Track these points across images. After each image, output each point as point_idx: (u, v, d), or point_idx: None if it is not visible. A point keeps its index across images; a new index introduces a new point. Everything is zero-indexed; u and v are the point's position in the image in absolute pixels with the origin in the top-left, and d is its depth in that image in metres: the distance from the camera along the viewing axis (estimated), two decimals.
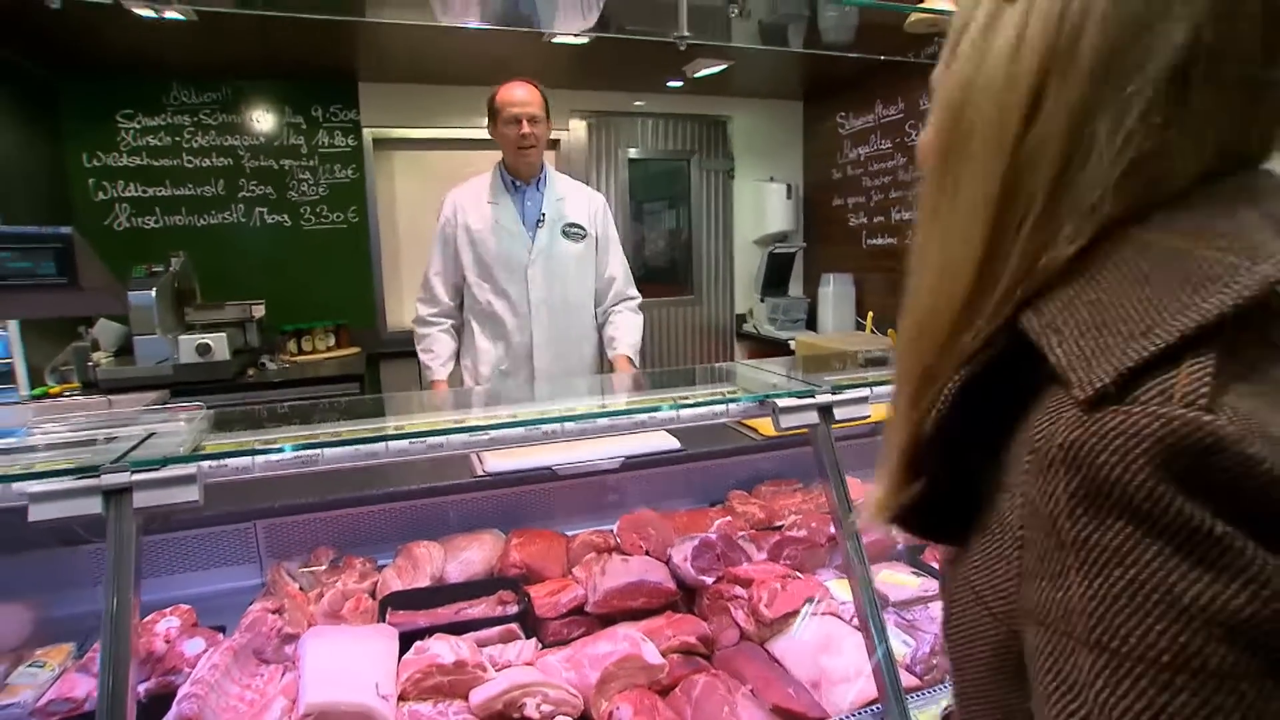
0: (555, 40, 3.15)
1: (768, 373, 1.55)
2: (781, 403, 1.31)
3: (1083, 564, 0.34)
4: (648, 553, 1.65)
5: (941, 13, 1.47)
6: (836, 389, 1.34)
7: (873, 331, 4.17)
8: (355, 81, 3.82)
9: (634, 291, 2.47)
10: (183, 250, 3.25)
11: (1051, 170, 0.39)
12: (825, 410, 1.32)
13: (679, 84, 4.19)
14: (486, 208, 2.28)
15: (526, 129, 2.17)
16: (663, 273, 4.86)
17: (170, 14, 2.61)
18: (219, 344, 3.00)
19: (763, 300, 4.65)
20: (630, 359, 2.37)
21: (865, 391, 1.36)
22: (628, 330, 2.41)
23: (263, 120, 3.72)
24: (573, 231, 2.33)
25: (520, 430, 1.23)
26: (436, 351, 2.32)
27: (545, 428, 1.25)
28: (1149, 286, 0.36)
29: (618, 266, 2.45)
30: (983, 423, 0.43)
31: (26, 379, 2.59)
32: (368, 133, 3.89)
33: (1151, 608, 0.32)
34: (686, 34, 1.55)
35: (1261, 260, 0.35)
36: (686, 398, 1.43)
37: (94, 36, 3.01)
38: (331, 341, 3.70)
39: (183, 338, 2.98)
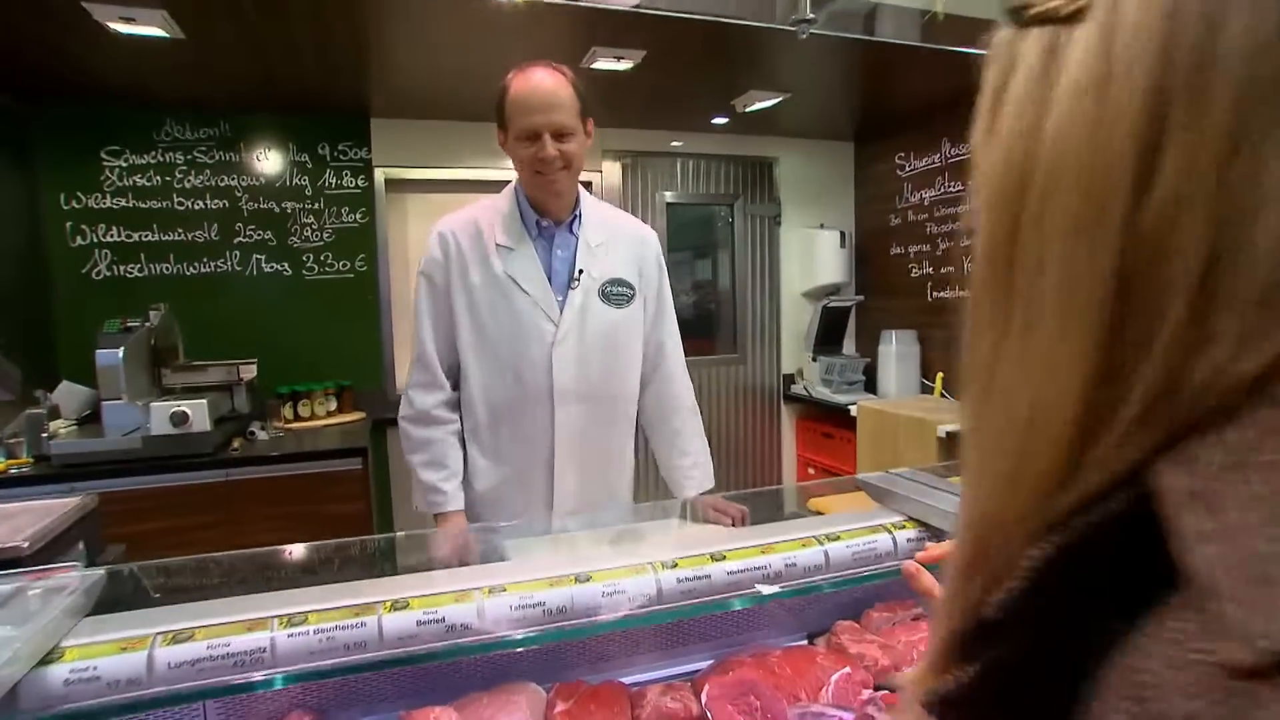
0: (593, 68, 2.77)
1: (931, 489, 1.07)
2: None
3: None
4: None
5: None
6: None
7: (943, 395, 3.69)
8: (367, 117, 3.45)
9: (689, 384, 1.81)
10: (164, 302, 2.83)
11: (1197, 248, 0.27)
12: None
13: (724, 120, 3.80)
14: (495, 254, 1.56)
15: (550, 149, 1.47)
16: (703, 328, 4.42)
17: (147, 29, 2.23)
18: (198, 412, 2.55)
19: (815, 359, 4.18)
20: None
21: None
22: (704, 455, 1.78)
23: (264, 158, 3.34)
24: (616, 294, 1.63)
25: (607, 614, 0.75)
26: (449, 466, 1.60)
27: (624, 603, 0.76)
28: None
29: (670, 338, 1.76)
30: (1069, 607, 0.30)
31: None
32: (380, 173, 3.50)
33: None
34: (810, 17, 1.11)
35: None
36: (836, 535, 0.95)
37: (74, 63, 2.65)
38: (333, 405, 3.24)
39: (156, 404, 2.53)
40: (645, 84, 3.06)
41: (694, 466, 1.76)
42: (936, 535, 0.95)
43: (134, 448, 2.50)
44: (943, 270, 3.80)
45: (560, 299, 1.58)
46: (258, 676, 0.68)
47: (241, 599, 0.78)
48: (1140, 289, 0.29)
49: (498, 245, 1.57)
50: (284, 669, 0.70)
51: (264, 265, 3.36)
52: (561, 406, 1.58)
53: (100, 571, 0.76)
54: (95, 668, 0.64)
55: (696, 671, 1.28)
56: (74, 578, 0.74)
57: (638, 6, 1.66)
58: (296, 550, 1.04)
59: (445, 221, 1.61)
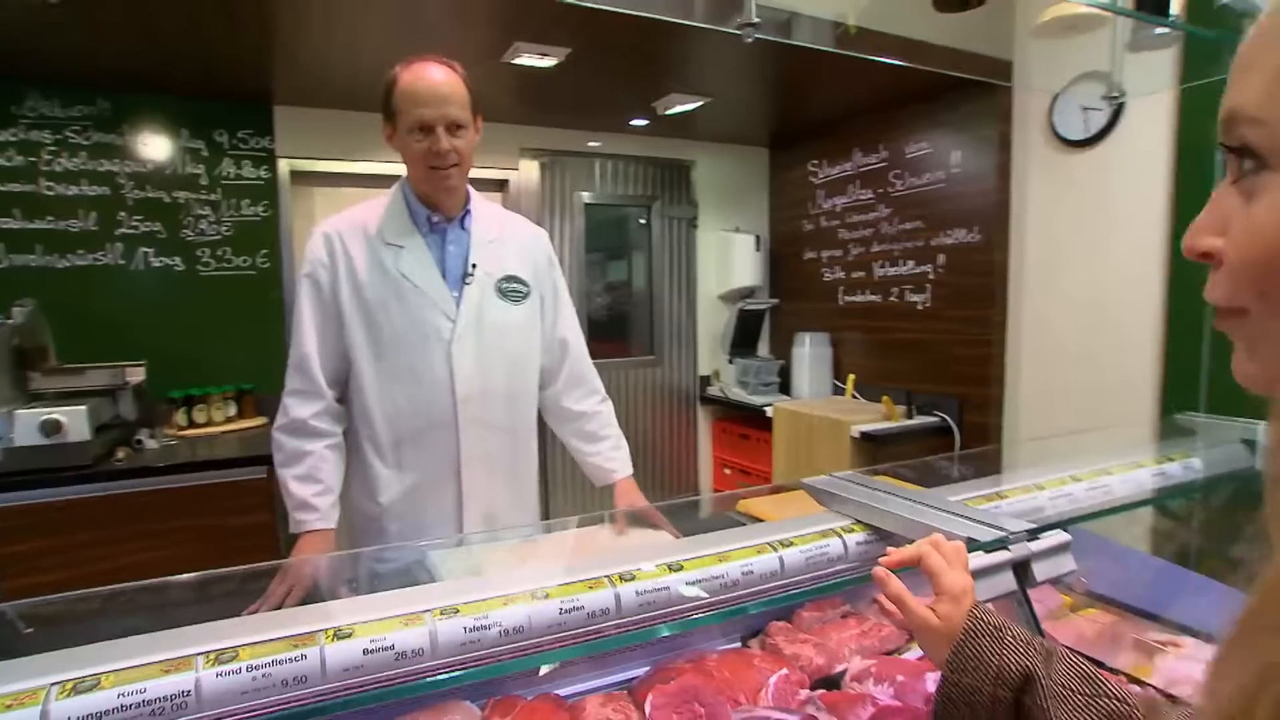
0: (515, 63, 2.70)
1: (876, 491, 1.09)
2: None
3: None
4: None
5: (1104, 6, 1.09)
6: (1034, 533, 0.88)
7: (854, 396, 3.82)
8: (270, 104, 3.23)
9: (596, 374, 1.82)
10: (32, 298, 2.55)
11: None
12: (1022, 569, 0.86)
13: (644, 122, 3.80)
14: (384, 252, 1.51)
15: (444, 143, 1.44)
16: (619, 329, 4.40)
17: None
18: (74, 419, 2.31)
19: (731, 361, 4.25)
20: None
21: (1063, 536, 0.91)
22: (619, 439, 1.78)
23: (151, 143, 3.06)
24: (512, 290, 1.61)
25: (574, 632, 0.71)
26: (324, 481, 1.50)
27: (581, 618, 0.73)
28: None
29: (572, 333, 1.76)
30: None
31: None
32: (284, 164, 3.29)
33: None
34: (755, 21, 1.11)
35: None
36: (789, 540, 0.95)
37: None
38: (232, 411, 3.02)
39: (22, 412, 2.28)
40: (567, 82, 3.01)
41: (615, 449, 1.77)
42: (883, 538, 0.96)
43: None
44: (854, 275, 3.93)
45: (455, 294, 1.55)
46: None
47: (152, 636, 0.69)
48: None
49: (387, 243, 1.53)
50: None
51: (152, 259, 3.09)
52: (464, 404, 1.55)
53: None
54: None
55: (633, 680, 1.25)
56: None
57: None
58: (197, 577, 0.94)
59: (328, 223, 1.56)
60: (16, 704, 0.60)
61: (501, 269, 1.61)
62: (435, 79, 1.44)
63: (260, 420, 3.05)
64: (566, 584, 0.80)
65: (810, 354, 4.03)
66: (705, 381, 4.48)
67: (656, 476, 4.40)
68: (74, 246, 2.97)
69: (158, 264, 3.10)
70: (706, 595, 0.85)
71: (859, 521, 0.98)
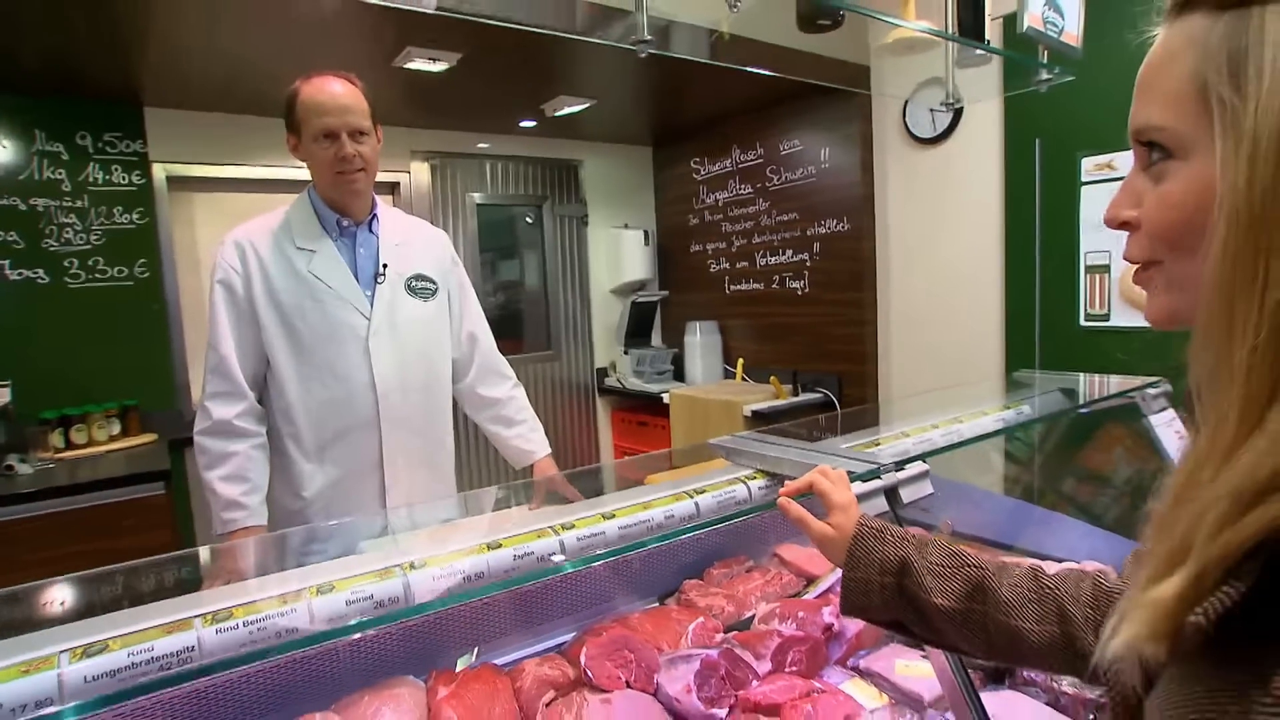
0: (407, 67, 2.73)
1: (770, 444, 1.27)
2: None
3: None
4: (629, 684, 1.28)
5: (934, 32, 1.32)
6: (900, 464, 1.08)
7: (744, 379, 4.07)
8: (140, 105, 3.08)
9: (506, 363, 1.94)
10: None
11: None
12: (892, 494, 1.05)
13: (532, 124, 3.89)
14: (296, 256, 1.58)
15: (349, 148, 1.54)
16: (515, 327, 4.47)
17: None
18: None
19: (626, 352, 4.41)
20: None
21: (923, 465, 1.12)
22: (535, 422, 1.92)
23: (1, 146, 2.87)
24: (421, 288, 1.72)
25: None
26: (251, 479, 1.55)
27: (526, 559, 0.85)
28: None
29: (479, 325, 1.87)
30: None
31: None
32: (159, 169, 3.14)
33: None
34: (648, 38, 1.26)
35: None
36: (703, 489, 1.10)
37: None
38: (116, 429, 2.88)
39: None
40: (457, 86, 3.06)
41: (532, 430, 1.92)
42: (780, 482, 1.13)
43: None
44: (739, 265, 4.19)
45: (369, 294, 1.64)
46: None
47: (144, 608, 0.76)
48: None
49: (298, 248, 1.60)
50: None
51: (10, 272, 2.88)
52: (384, 398, 1.63)
53: None
54: None
55: (563, 645, 1.38)
56: None
57: (440, 10, 1.72)
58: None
59: (238, 231, 1.62)
60: (32, 669, 0.65)
61: (410, 268, 1.71)
62: (336, 90, 1.54)
63: (149, 437, 2.93)
64: (516, 535, 0.92)
65: (701, 342, 4.25)
66: (602, 373, 4.63)
67: (559, 466, 4.49)
68: None
69: (17, 276, 2.90)
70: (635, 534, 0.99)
71: (760, 470, 1.15)
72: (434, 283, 1.75)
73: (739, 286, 4.20)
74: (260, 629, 0.74)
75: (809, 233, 3.71)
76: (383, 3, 1.29)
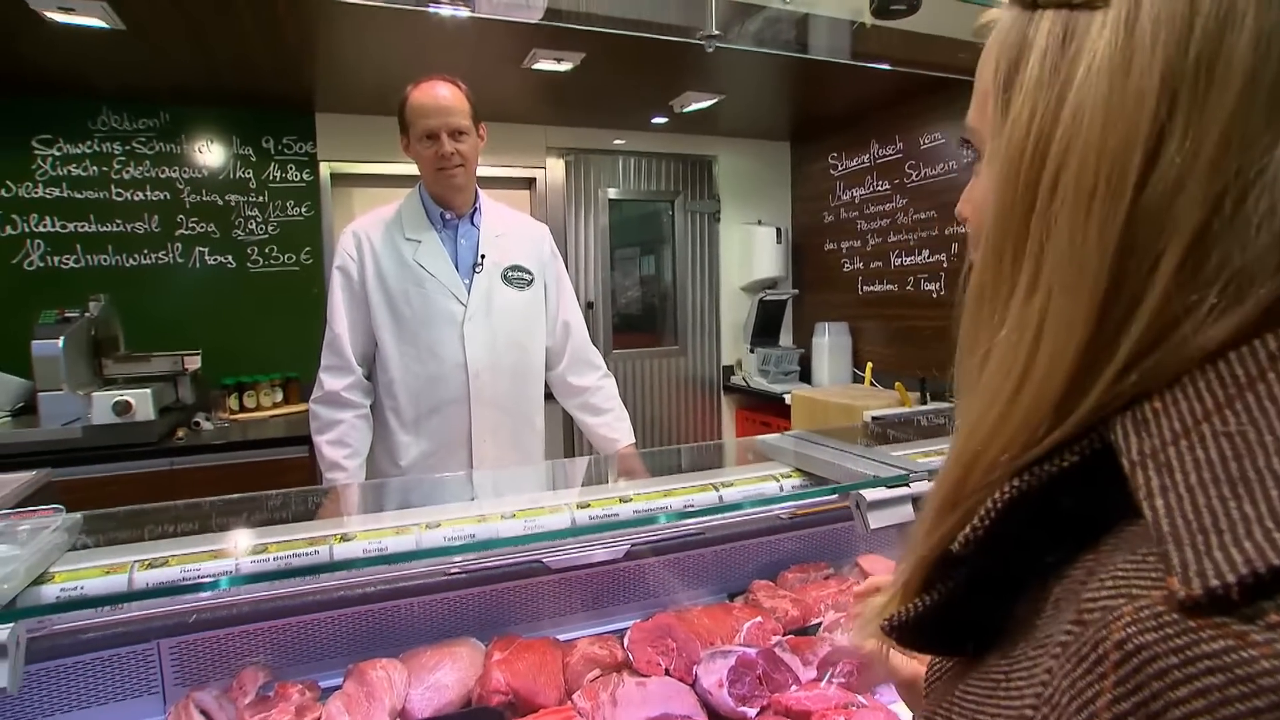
0: (535, 69, 2.87)
1: (817, 445, 1.22)
2: (870, 495, 0.97)
3: None
4: (668, 672, 1.29)
5: None
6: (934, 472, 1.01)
7: (872, 384, 3.90)
8: (312, 111, 3.48)
9: (598, 353, 2.01)
10: (104, 294, 2.83)
11: (1190, 223, 0.30)
12: (918, 503, 0.99)
13: (664, 119, 3.95)
14: (404, 246, 1.74)
15: (448, 146, 1.66)
16: (644, 321, 4.55)
17: (86, 20, 2.25)
18: (141, 401, 2.57)
19: (753, 351, 4.36)
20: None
21: None
22: (621, 411, 1.96)
23: (206, 151, 3.34)
24: (517, 278, 1.82)
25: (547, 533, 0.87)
26: (353, 445, 1.71)
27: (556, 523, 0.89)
28: None
29: (573, 316, 1.94)
30: (1028, 544, 0.35)
31: None
32: (325, 167, 3.53)
33: None
34: (716, 32, 1.25)
35: None
36: (730, 482, 1.09)
37: (4, 51, 2.63)
38: (279, 397, 3.27)
39: (98, 394, 2.54)
40: (585, 84, 3.17)
41: (618, 420, 1.96)
42: (817, 481, 1.09)
43: (73, 437, 2.51)
44: (872, 265, 4.02)
45: (467, 282, 1.76)
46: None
47: (205, 536, 0.88)
48: (1139, 258, 0.31)
49: (406, 238, 1.75)
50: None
51: (207, 258, 3.36)
52: (475, 379, 1.74)
53: (78, 515, 0.85)
54: (81, 587, 0.73)
55: (623, 631, 1.41)
56: (56, 519, 0.83)
57: (545, 21, 1.79)
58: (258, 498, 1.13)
59: (358, 222, 1.80)
60: (112, 571, 0.79)
61: (508, 259, 1.82)
62: (439, 93, 1.67)
63: (303, 406, 3.29)
64: (531, 509, 0.96)
65: (830, 343, 4.11)
66: (728, 371, 4.60)
67: None
68: (139, 247, 3.26)
69: (212, 262, 3.38)
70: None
71: (796, 469, 1.12)
72: (530, 273, 1.84)
73: (872, 287, 4.03)
74: (286, 564, 0.84)
75: (947, 232, 3.49)
76: (491, 16, 1.38)
